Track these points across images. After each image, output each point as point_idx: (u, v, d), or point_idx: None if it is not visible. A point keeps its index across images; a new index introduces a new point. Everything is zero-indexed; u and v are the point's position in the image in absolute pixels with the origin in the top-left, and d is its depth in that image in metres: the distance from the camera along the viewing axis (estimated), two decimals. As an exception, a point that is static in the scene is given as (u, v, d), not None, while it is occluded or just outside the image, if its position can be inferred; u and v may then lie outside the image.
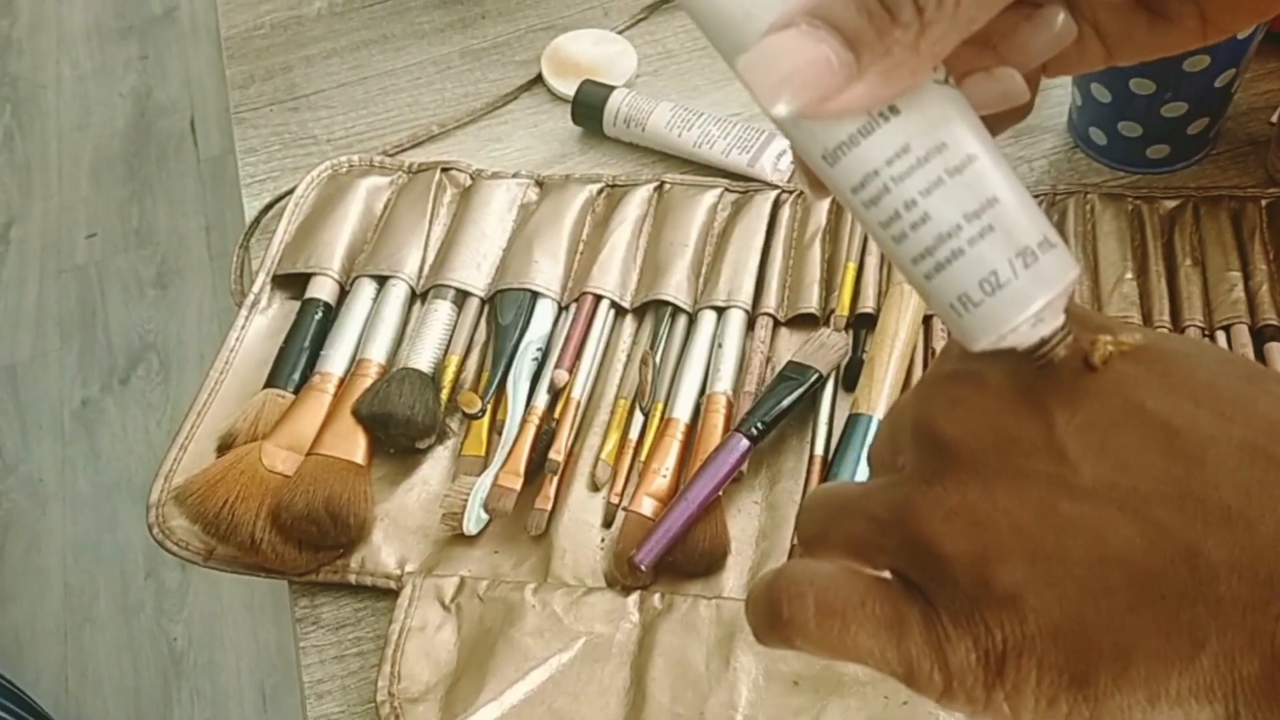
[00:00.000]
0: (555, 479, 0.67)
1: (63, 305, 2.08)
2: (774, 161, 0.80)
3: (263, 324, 0.76)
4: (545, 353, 0.72)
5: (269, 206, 0.83)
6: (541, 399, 0.70)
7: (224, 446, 0.69)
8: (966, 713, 0.28)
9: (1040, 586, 0.26)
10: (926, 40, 0.26)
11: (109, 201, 2.21)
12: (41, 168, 2.28)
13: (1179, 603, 0.25)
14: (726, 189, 0.80)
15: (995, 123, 0.31)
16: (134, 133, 2.32)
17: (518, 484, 0.66)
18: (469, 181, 0.82)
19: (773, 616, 0.30)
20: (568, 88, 0.86)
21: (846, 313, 0.72)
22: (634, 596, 0.63)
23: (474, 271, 0.76)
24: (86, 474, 1.87)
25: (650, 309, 0.74)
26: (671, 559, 0.63)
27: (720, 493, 0.65)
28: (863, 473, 0.64)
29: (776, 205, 0.78)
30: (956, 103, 0.28)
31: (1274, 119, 0.80)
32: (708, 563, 0.64)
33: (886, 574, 0.30)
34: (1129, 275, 0.72)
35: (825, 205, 0.77)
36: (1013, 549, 0.27)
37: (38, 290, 2.11)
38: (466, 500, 0.66)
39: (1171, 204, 0.75)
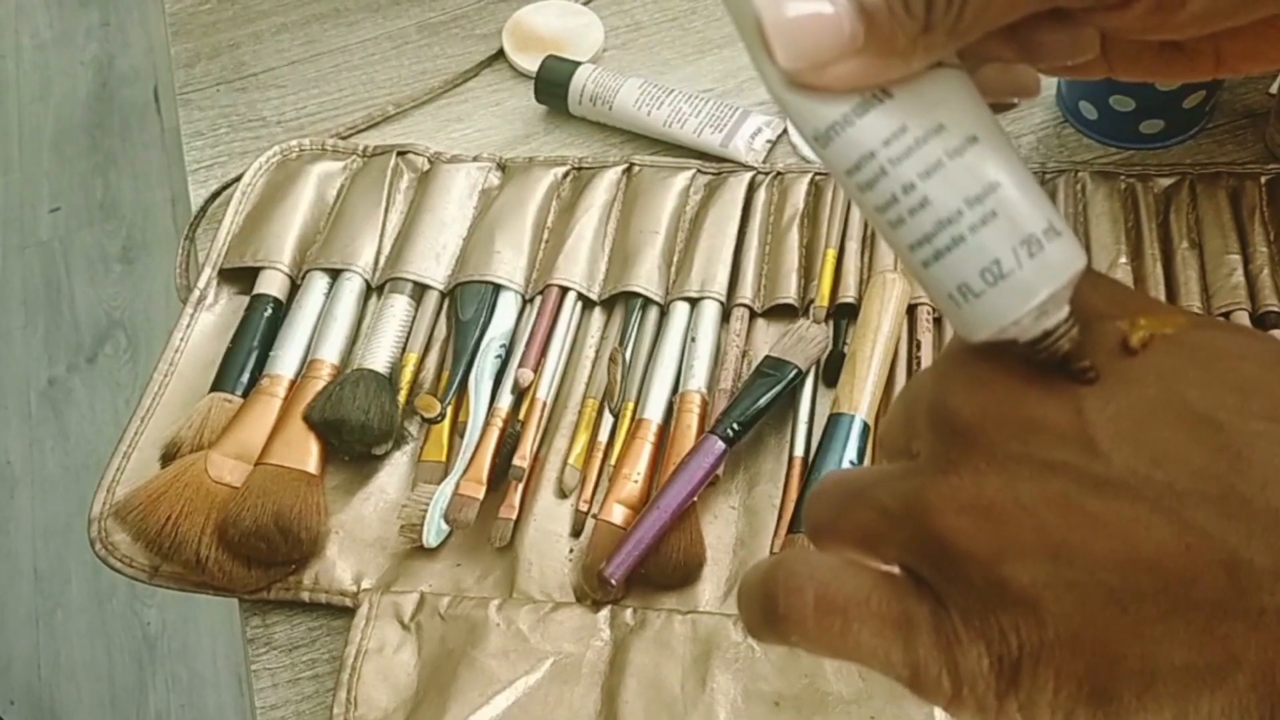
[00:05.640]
0: (520, 486, 0.64)
1: (27, 282, 2.04)
2: (748, 141, 0.77)
3: (209, 322, 0.72)
4: (509, 349, 0.69)
5: (215, 194, 0.79)
6: (505, 400, 0.67)
7: (168, 456, 0.66)
8: None
9: (1061, 589, 0.24)
10: (927, 38, 0.26)
11: (72, 174, 2.17)
12: (2, 140, 2.23)
13: (1215, 613, 0.23)
14: (699, 171, 0.76)
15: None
16: (96, 103, 2.27)
17: (480, 492, 0.63)
18: (427, 165, 0.78)
19: (767, 611, 0.28)
20: (531, 64, 0.83)
21: (826, 303, 0.69)
22: (604, 612, 0.60)
23: (432, 263, 0.72)
24: (55, 455, 1.84)
25: (619, 301, 0.71)
26: (644, 571, 0.60)
27: (695, 499, 0.62)
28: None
29: (751, 188, 0.75)
30: (958, 84, 0.27)
31: (1273, 90, 0.77)
32: (682, 574, 0.61)
33: (895, 569, 0.28)
34: (1123, 259, 0.69)
35: (803, 188, 0.74)
36: (1032, 547, 0.25)
37: (0, 267, 2.06)
38: (426, 510, 0.63)
39: (1167, 182, 0.72)
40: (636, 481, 0.63)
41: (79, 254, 2.06)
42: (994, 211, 0.26)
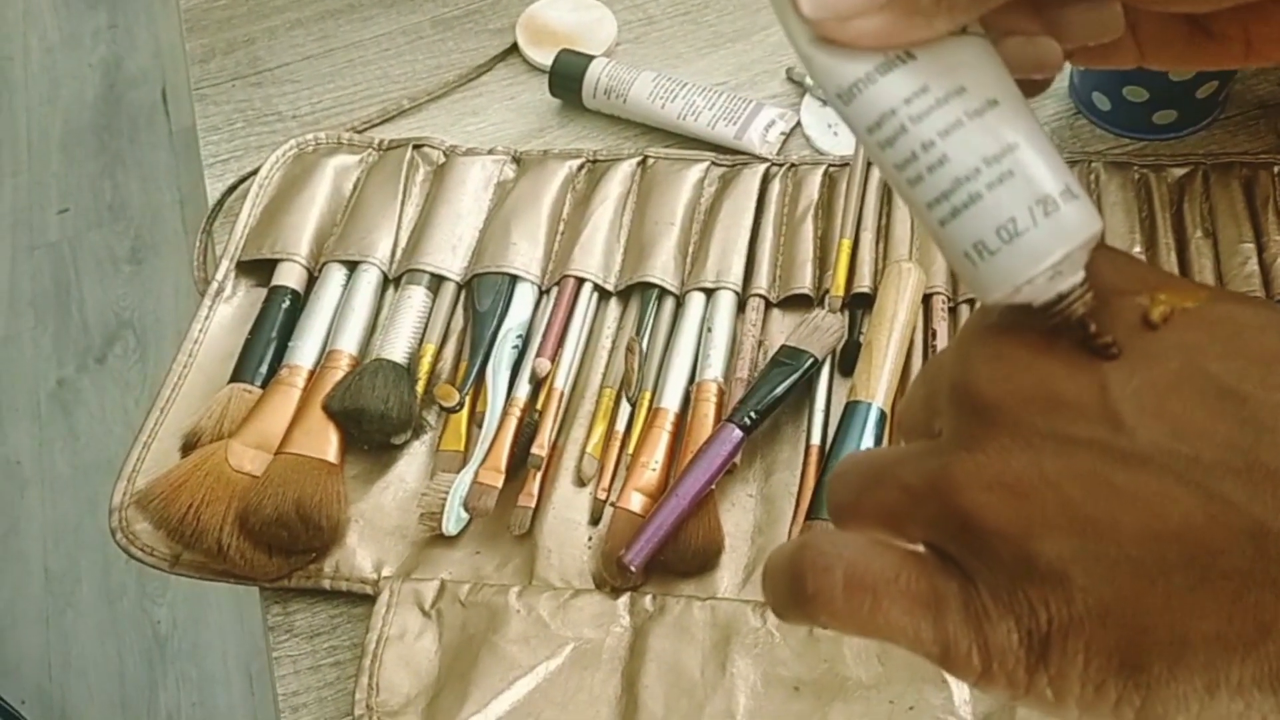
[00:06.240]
0: (539, 474, 0.64)
1: (36, 283, 2.04)
2: (762, 133, 0.77)
3: (227, 314, 0.72)
4: (526, 340, 0.70)
5: (232, 188, 0.79)
6: (523, 389, 0.67)
7: (188, 445, 0.66)
8: (1006, 696, 0.26)
9: (1089, 563, 0.25)
10: (950, 0, 0.26)
11: (80, 176, 2.17)
12: (11, 142, 2.24)
13: (1243, 583, 0.23)
14: (713, 163, 0.76)
15: None
16: (104, 105, 2.27)
17: (499, 480, 0.64)
18: (442, 159, 0.78)
19: (796, 591, 0.28)
20: (545, 57, 0.83)
21: (842, 293, 0.69)
22: (624, 599, 0.60)
23: (449, 255, 0.73)
24: (65, 455, 1.84)
25: (635, 291, 0.72)
26: (663, 558, 0.61)
27: (713, 486, 0.62)
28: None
29: (766, 179, 0.75)
30: (981, 50, 0.28)
31: (1285, 80, 0.77)
32: (701, 561, 0.61)
33: (920, 548, 0.28)
34: (1137, 249, 0.69)
35: (817, 179, 0.74)
36: (1059, 522, 0.25)
37: (10, 268, 2.07)
38: (445, 499, 0.63)
39: (1180, 172, 0.72)
40: (654, 470, 0.64)
41: (88, 255, 2.06)
42: (1011, 171, 0.26)
